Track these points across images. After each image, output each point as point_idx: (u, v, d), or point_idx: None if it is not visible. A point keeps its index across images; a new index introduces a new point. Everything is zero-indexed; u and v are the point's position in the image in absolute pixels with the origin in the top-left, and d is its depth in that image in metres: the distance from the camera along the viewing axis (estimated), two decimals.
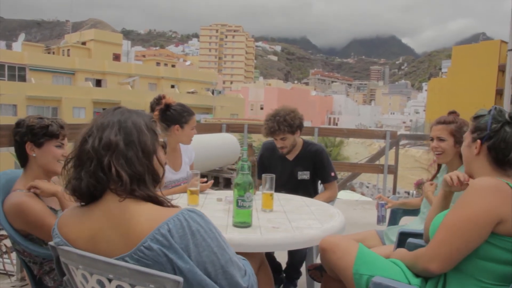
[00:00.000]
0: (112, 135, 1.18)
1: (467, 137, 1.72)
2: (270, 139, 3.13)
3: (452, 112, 2.43)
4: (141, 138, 1.21)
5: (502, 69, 35.89)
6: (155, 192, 1.21)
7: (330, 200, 2.98)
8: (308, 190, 3.06)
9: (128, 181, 1.15)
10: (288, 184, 3.01)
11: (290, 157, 3.09)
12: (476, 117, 1.70)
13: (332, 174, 3.07)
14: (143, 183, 1.19)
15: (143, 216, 1.13)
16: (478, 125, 1.66)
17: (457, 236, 1.47)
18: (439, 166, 2.58)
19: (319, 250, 1.89)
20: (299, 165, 3.07)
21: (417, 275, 1.65)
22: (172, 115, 2.79)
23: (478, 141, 1.63)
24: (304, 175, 3.06)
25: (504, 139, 1.58)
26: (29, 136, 1.86)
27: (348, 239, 1.86)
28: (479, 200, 1.48)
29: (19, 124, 1.88)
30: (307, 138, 3.26)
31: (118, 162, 1.16)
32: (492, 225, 1.44)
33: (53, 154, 1.89)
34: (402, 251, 1.84)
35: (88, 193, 1.18)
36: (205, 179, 2.71)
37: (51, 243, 1.25)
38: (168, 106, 2.80)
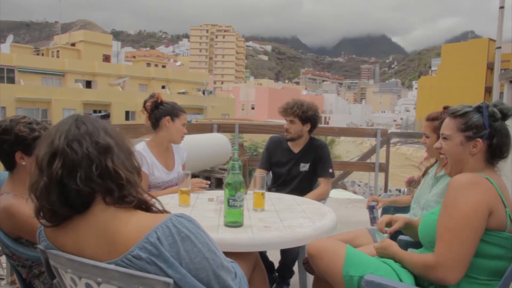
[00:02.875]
0: (108, 138, 1.16)
1: (454, 136, 1.66)
2: (277, 134, 3.33)
3: (446, 108, 2.42)
4: (121, 137, 1.22)
5: (490, 67, 36.28)
6: (143, 194, 1.18)
7: (323, 197, 3.00)
8: (306, 181, 3.15)
9: (126, 181, 1.13)
10: (290, 174, 3.17)
11: (296, 149, 3.20)
12: (462, 114, 1.65)
13: (330, 170, 3.14)
14: (133, 185, 1.16)
15: (130, 224, 1.10)
16: (471, 123, 1.62)
17: (460, 237, 1.46)
18: (435, 161, 2.59)
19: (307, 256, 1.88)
20: (303, 157, 3.17)
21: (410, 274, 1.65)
22: (164, 108, 2.83)
23: (479, 139, 1.60)
24: (304, 167, 3.16)
25: (506, 135, 1.60)
26: (19, 146, 1.79)
27: (335, 242, 1.83)
28: (463, 195, 1.48)
29: (6, 131, 1.78)
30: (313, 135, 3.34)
31: (119, 162, 1.15)
32: (486, 216, 1.46)
33: None
34: (408, 254, 1.70)
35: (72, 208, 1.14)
36: (199, 179, 2.73)
37: (40, 246, 1.23)
38: (160, 101, 2.85)
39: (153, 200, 1.20)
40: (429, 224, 1.65)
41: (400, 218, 2.01)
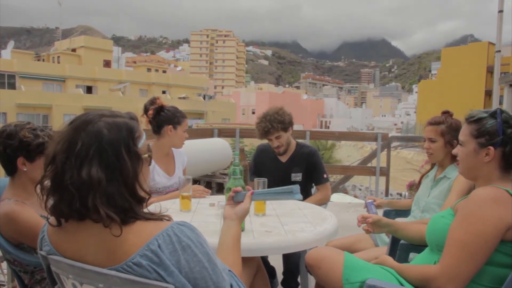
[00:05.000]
0: (94, 171, 1.06)
1: (468, 142, 1.62)
2: (264, 141, 3.16)
3: (445, 112, 2.43)
4: (123, 167, 1.10)
5: (490, 70, 36.39)
6: (142, 212, 1.14)
7: (323, 202, 2.99)
8: (301, 192, 3.04)
9: (115, 216, 1.07)
10: (281, 185, 3.00)
11: (284, 158, 3.11)
12: (477, 120, 1.60)
13: (325, 175, 3.09)
14: (131, 211, 1.12)
15: (131, 233, 1.09)
16: (484, 129, 1.57)
17: (473, 254, 1.43)
18: (433, 164, 2.59)
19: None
20: (292, 166, 3.08)
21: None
22: (166, 115, 2.81)
23: (491, 147, 1.55)
24: (297, 176, 3.07)
25: None
26: (23, 152, 1.79)
27: (332, 250, 1.82)
28: (486, 212, 1.44)
29: (10, 135, 1.78)
30: (299, 141, 3.27)
31: (102, 201, 1.06)
32: (502, 234, 1.43)
33: None
34: (406, 267, 1.70)
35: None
36: (201, 187, 2.73)
37: (41, 252, 1.23)
38: (162, 107, 2.83)
39: (152, 208, 1.18)
40: (439, 227, 1.64)
41: (382, 218, 2.02)
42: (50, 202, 1.15)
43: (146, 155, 1.21)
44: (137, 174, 1.14)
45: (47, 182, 1.13)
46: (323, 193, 3.07)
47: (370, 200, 2.64)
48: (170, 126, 2.80)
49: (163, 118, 2.81)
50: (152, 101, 2.85)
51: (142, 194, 1.16)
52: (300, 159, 3.08)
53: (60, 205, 1.11)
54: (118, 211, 1.09)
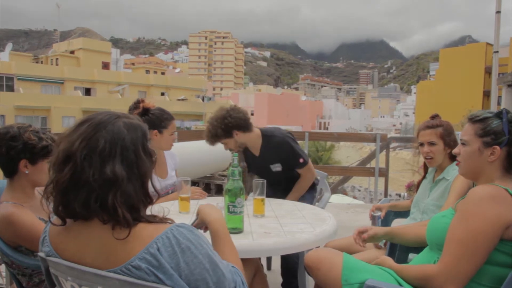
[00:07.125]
0: (117, 168, 1.08)
1: (472, 141, 1.61)
2: None
3: (435, 116, 2.46)
4: (140, 166, 1.13)
5: (488, 71, 36.51)
6: (145, 215, 1.15)
7: (308, 183, 3.00)
8: (286, 180, 3.03)
9: (129, 217, 1.08)
10: (267, 178, 2.97)
11: (256, 152, 3.03)
12: (482, 120, 1.60)
13: (301, 160, 2.98)
14: (137, 211, 1.13)
15: (131, 235, 1.09)
16: (489, 129, 1.57)
17: (472, 253, 1.43)
18: (426, 170, 2.61)
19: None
20: (267, 158, 3.01)
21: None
22: (151, 120, 2.68)
23: (497, 146, 1.55)
24: (277, 167, 3.02)
25: None
26: (26, 155, 1.78)
27: (331, 251, 1.82)
28: (485, 210, 1.44)
29: (14, 137, 1.77)
30: (265, 130, 3.11)
31: (121, 200, 1.08)
32: (502, 232, 1.43)
33: (46, 171, 1.77)
34: (405, 267, 1.70)
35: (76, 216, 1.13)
36: (199, 189, 2.71)
37: (40, 254, 1.22)
38: (146, 111, 2.71)
39: (155, 210, 1.18)
40: (440, 227, 1.63)
41: (378, 231, 2.00)
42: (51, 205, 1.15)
43: (154, 158, 1.24)
44: (151, 174, 1.18)
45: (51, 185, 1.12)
46: (304, 176, 3.02)
47: (378, 214, 2.61)
48: (156, 131, 2.70)
49: (147, 123, 2.73)
50: (136, 105, 2.72)
51: (152, 194, 1.18)
52: (271, 151, 2.98)
53: (74, 204, 1.09)
54: (130, 212, 1.10)
